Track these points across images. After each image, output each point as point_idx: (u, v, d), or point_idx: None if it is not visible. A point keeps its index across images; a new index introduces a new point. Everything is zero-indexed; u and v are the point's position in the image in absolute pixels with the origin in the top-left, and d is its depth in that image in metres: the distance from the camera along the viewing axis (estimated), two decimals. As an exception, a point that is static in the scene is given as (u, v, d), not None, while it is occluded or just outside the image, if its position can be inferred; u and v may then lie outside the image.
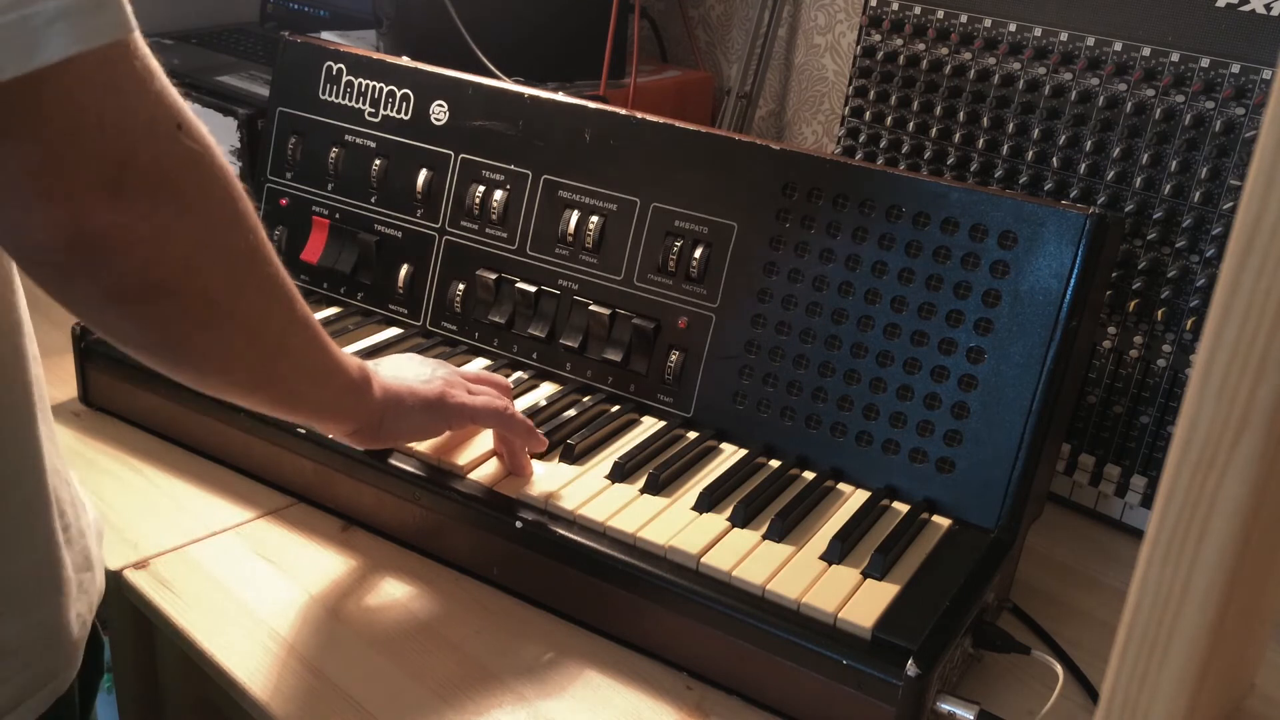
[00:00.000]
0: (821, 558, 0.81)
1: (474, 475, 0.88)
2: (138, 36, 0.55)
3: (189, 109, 0.58)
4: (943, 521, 0.86)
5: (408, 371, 0.86)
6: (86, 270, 0.56)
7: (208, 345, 0.64)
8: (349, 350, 1.02)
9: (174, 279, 0.59)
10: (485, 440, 0.92)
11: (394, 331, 1.09)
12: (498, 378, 0.95)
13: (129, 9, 0.53)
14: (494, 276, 1.04)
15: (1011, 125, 1.05)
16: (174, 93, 0.57)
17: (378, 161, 1.10)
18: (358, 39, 1.45)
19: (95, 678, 0.78)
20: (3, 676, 0.66)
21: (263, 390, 0.71)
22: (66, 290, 0.58)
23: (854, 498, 0.89)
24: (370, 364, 0.83)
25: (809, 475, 0.90)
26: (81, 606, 0.72)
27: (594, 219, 1.00)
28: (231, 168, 0.61)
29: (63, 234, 0.54)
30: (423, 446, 0.90)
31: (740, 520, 0.84)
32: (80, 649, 0.72)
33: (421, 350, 1.05)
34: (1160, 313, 0.98)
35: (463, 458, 0.90)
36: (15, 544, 0.67)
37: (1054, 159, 1.03)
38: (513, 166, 1.04)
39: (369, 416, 0.80)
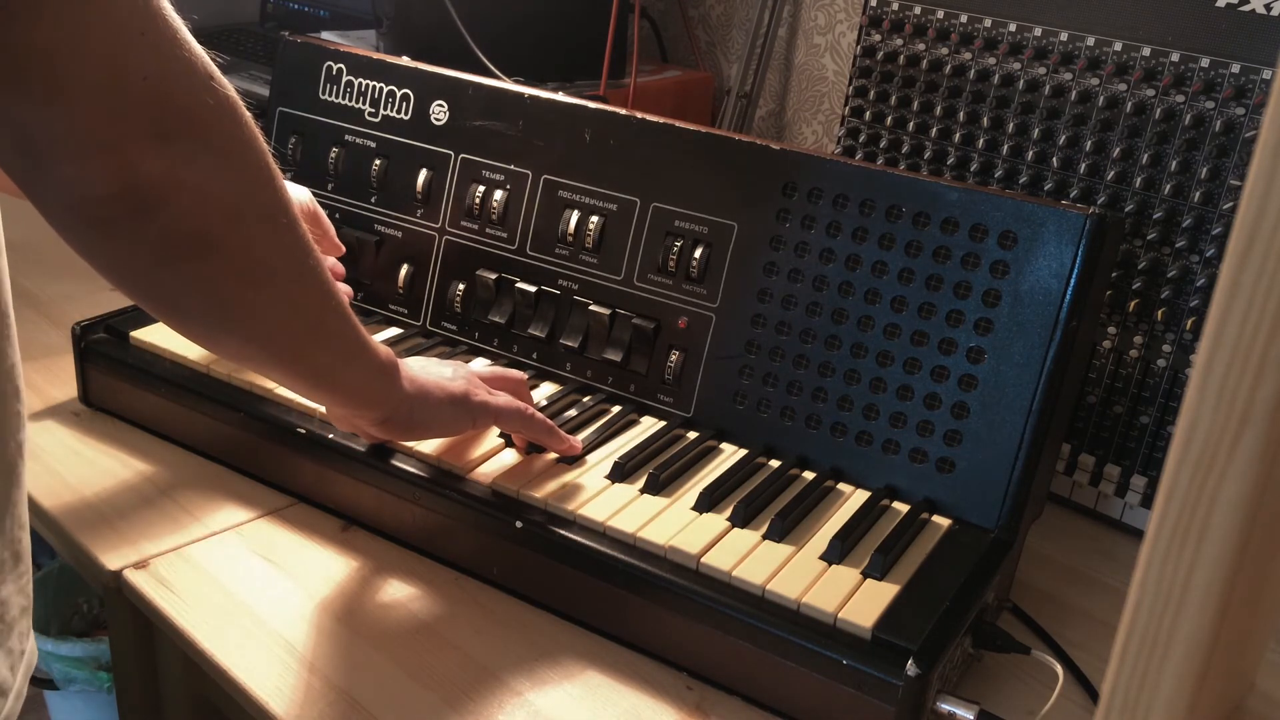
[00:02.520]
0: (821, 558, 0.81)
1: (474, 475, 0.88)
2: None
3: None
4: (943, 521, 0.86)
5: (431, 369, 0.87)
6: (139, 220, 0.57)
7: (252, 303, 0.64)
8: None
9: (221, 230, 0.60)
10: (485, 440, 0.92)
11: (394, 331, 1.09)
12: (512, 373, 0.94)
13: None
14: (494, 276, 1.04)
15: (1011, 125, 1.05)
16: (200, 48, 0.58)
17: (378, 161, 1.10)
18: (358, 39, 1.45)
19: None
20: None
21: (301, 362, 0.72)
22: (119, 246, 0.58)
23: (854, 498, 0.89)
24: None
25: (809, 475, 0.90)
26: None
27: (594, 219, 1.00)
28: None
29: (115, 183, 0.55)
30: (424, 446, 0.90)
31: (740, 520, 0.84)
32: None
33: (421, 350, 1.05)
34: (1160, 313, 0.98)
35: (463, 458, 0.90)
36: None
37: (1054, 159, 1.03)
38: (513, 166, 1.04)
39: (398, 405, 0.81)
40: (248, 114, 0.61)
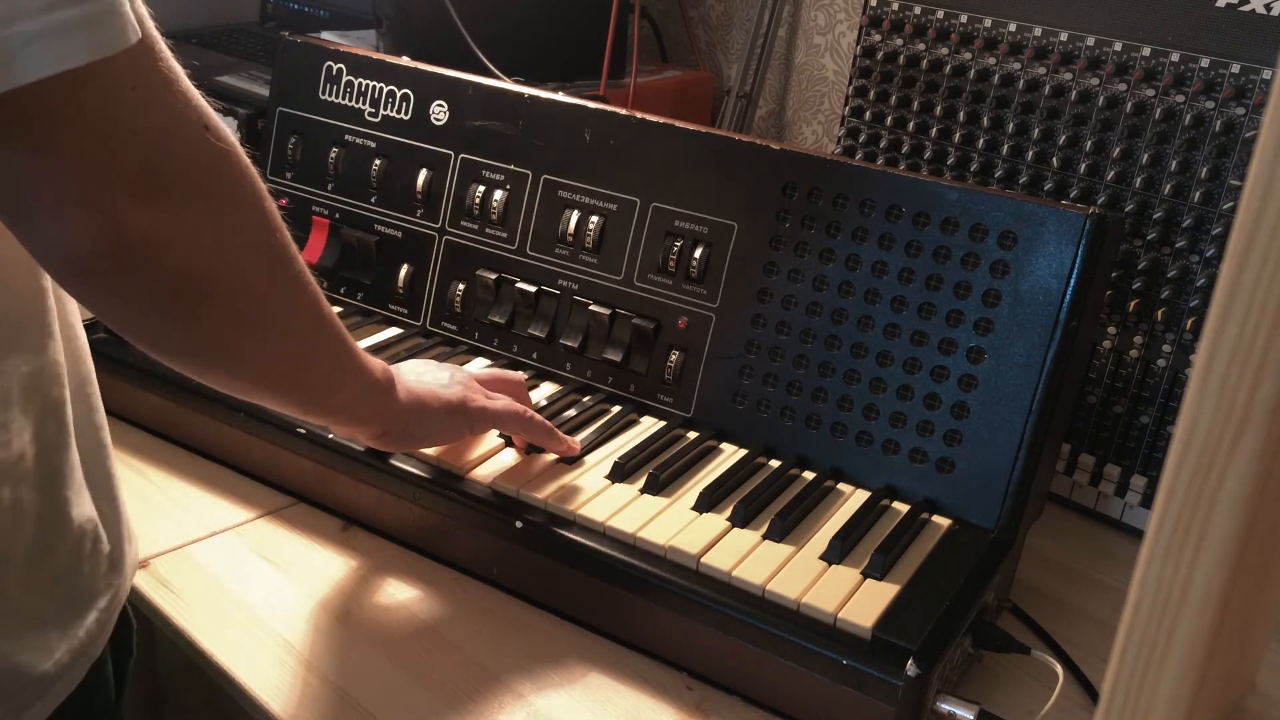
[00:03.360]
0: (821, 558, 0.81)
1: (474, 475, 0.88)
2: (159, 39, 0.56)
3: (212, 109, 0.59)
4: (943, 521, 0.86)
5: (427, 376, 0.86)
6: (127, 275, 0.56)
7: (245, 345, 0.64)
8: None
9: (210, 277, 0.59)
10: (485, 441, 0.92)
11: (394, 331, 1.09)
12: (511, 375, 0.94)
13: (133, 17, 0.53)
14: (494, 276, 1.04)
15: (1011, 125, 1.05)
16: (198, 94, 0.58)
17: (378, 161, 1.10)
18: (358, 39, 1.45)
19: (125, 656, 0.79)
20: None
21: (295, 392, 0.72)
22: (108, 298, 0.59)
23: (854, 498, 0.89)
24: (392, 367, 0.83)
25: (809, 475, 0.90)
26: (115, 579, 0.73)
27: (594, 219, 1.00)
28: (256, 170, 0.62)
29: (102, 240, 0.54)
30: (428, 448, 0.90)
31: (740, 520, 0.84)
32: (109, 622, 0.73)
33: (421, 350, 1.05)
34: (1160, 313, 0.98)
35: (463, 458, 0.90)
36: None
37: (1054, 159, 1.03)
38: (513, 166, 1.04)
39: (395, 419, 0.81)
40: (246, 162, 0.61)
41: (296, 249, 0.66)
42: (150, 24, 0.56)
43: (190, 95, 0.57)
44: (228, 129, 0.60)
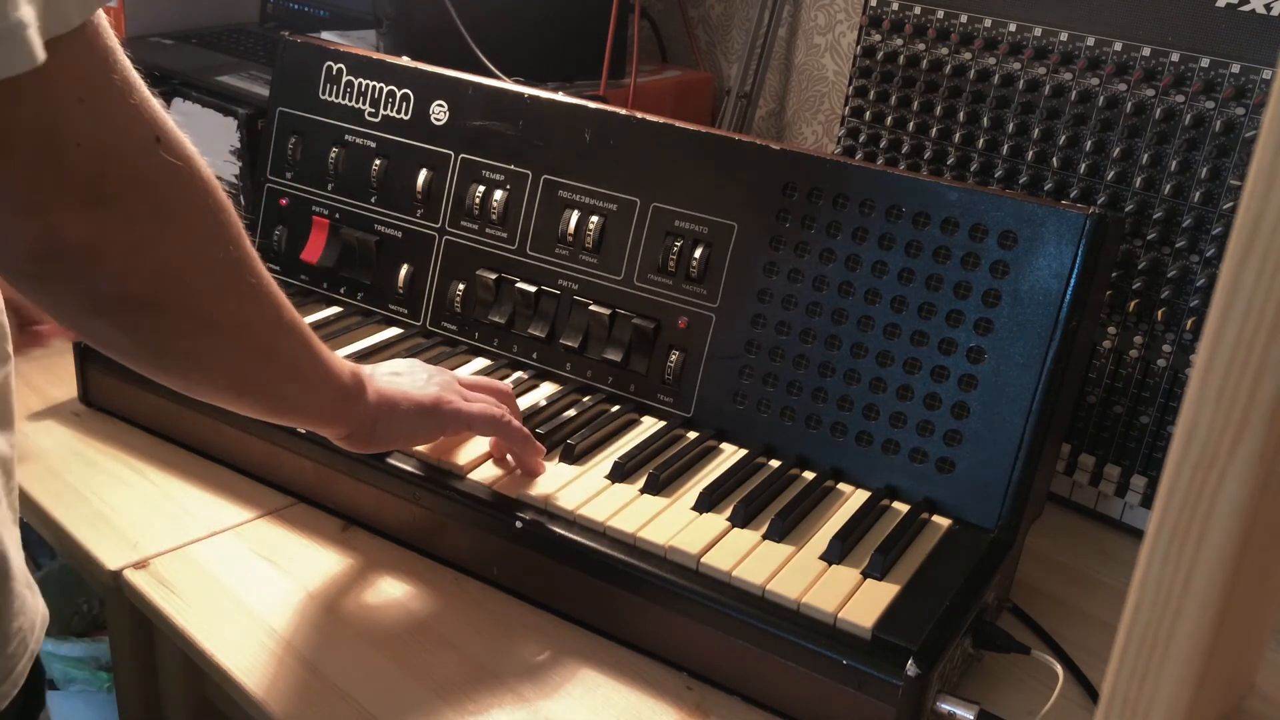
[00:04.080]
0: (821, 558, 0.81)
1: (474, 475, 0.88)
2: (117, 49, 0.55)
3: (171, 120, 0.58)
4: (943, 521, 0.86)
5: (404, 377, 0.86)
6: (63, 280, 0.57)
7: (191, 352, 0.64)
8: (349, 350, 1.03)
9: (153, 290, 0.60)
10: (485, 441, 0.92)
11: (394, 331, 1.09)
12: (497, 383, 0.93)
13: (35, 42, 0.52)
14: (494, 276, 1.04)
15: (1011, 125, 1.05)
16: (154, 105, 0.57)
17: (378, 161, 1.10)
18: (358, 39, 1.44)
19: (35, 709, 0.76)
20: None
21: (249, 395, 0.72)
22: (46, 299, 0.59)
23: (854, 498, 0.89)
24: (366, 368, 0.82)
25: (809, 475, 0.90)
26: (22, 622, 0.70)
27: (594, 219, 1.00)
28: (215, 179, 0.62)
29: (38, 245, 0.54)
30: (424, 446, 0.90)
31: (740, 520, 0.84)
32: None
33: (421, 351, 1.05)
34: (1160, 313, 0.98)
35: (462, 458, 0.90)
36: None
37: (1054, 159, 1.03)
38: (513, 166, 1.04)
39: (361, 421, 0.80)
40: (201, 174, 0.60)
41: (257, 257, 0.66)
42: (108, 34, 0.55)
43: (144, 107, 0.56)
44: (185, 141, 0.59)
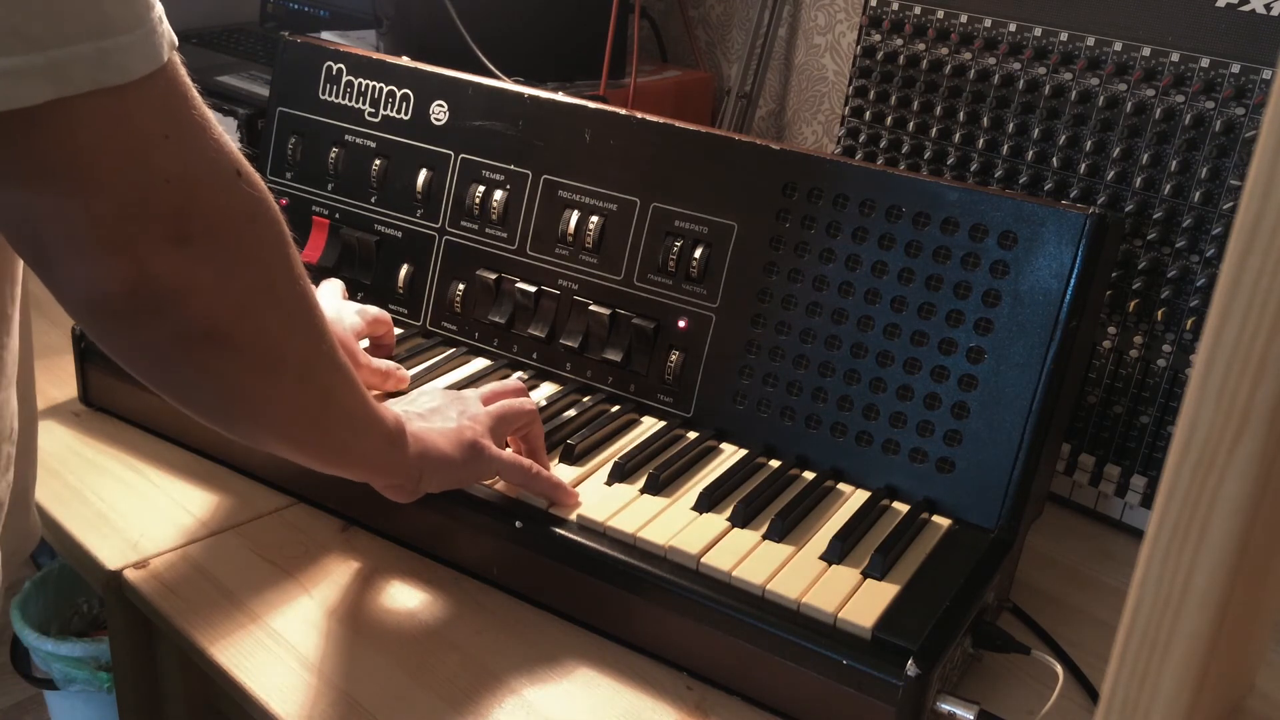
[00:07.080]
0: (821, 558, 0.81)
1: (474, 475, 0.88)
2: (192, 85, 0.56)
3: (243, 156, 0.59)
4: (943, 521, 0.86)
5: (434, 419, 0.84)
6: (149, 318, 0.57)
7: (264, 393, 0.64)
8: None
9: (233, 325, 0.59)
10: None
11: (394, 332, 1.09)
12: (512, 384, 0.92)
13: (163, 44, 0.53)
14: (494, 276, 1.04)
15: (1011, 125, 1.05)
16: (229, 140, 0.58)
17: (378, 161, 1.10)
18: (358, 39, 1.45)
19: None
20: None
21: (313, 444, 0.71)
22: (129, 342, 0.59)
23: (854, 498, 0.89)
24: (399, 408, 0.82)
25: (809, 475, 0.90)
26: None
27: (594, 219, 1.00)
28: (282, 215, 0.62)
29: (127, 283, 0.55)
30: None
31: (740, 520, 0.84)
32: None
33: (420, 351, 1.05)
34: (1160, 313, 0.98)
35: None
36: None
37: (1054, 159, 1.03)
38: (513, 166, 1.04)
39: (408, 472, 0.80)
40: (273, 209, 0.61)
41: (315, 294, 0.66)
42: (183, 71, 0.56)
43: (223, 141, 0.57)
44: (258, 176, 0.60)
